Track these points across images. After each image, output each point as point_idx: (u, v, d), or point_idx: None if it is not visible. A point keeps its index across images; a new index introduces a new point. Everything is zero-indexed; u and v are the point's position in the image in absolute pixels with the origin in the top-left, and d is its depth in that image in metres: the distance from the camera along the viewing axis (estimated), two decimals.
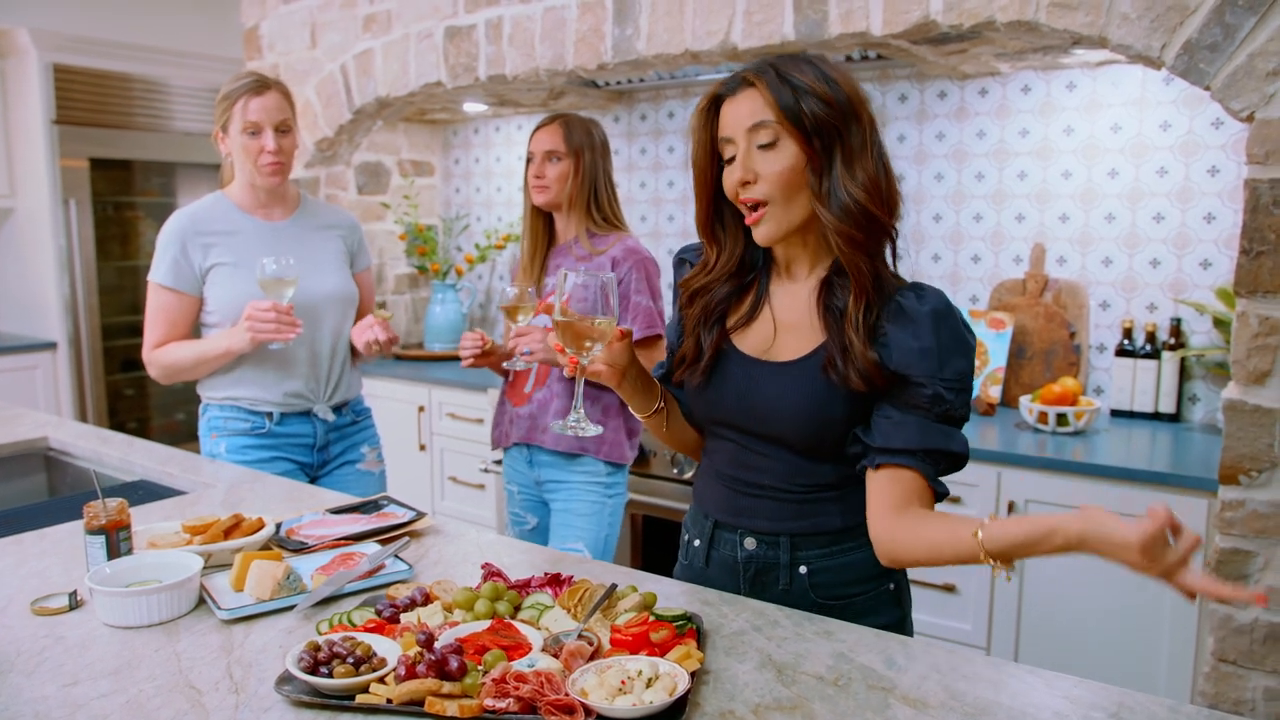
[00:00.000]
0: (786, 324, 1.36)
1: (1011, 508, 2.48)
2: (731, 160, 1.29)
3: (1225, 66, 1.94)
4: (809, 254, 1.35)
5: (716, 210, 1.37)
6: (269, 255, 2.18)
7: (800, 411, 1.31)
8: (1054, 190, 2.98)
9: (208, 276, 2.22)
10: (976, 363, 1.35)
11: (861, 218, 1.24)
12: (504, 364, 2.34)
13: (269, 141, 2.18)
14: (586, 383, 1.63)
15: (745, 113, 1.26)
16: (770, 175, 1.25)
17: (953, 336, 1.26)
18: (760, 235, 1.31)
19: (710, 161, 1.34)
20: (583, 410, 1.39)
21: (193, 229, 2.22)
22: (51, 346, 4.76)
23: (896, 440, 1.25)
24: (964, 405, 1.28)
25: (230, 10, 4.73)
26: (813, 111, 1.23)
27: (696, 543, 1.47)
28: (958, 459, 1.28)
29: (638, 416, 1.45)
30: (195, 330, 2.30)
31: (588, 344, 1.29)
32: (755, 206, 1.28)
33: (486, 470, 3.41)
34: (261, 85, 2.19)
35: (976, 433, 2.71)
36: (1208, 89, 1.98)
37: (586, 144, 2.29)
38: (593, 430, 1.38)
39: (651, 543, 3.16)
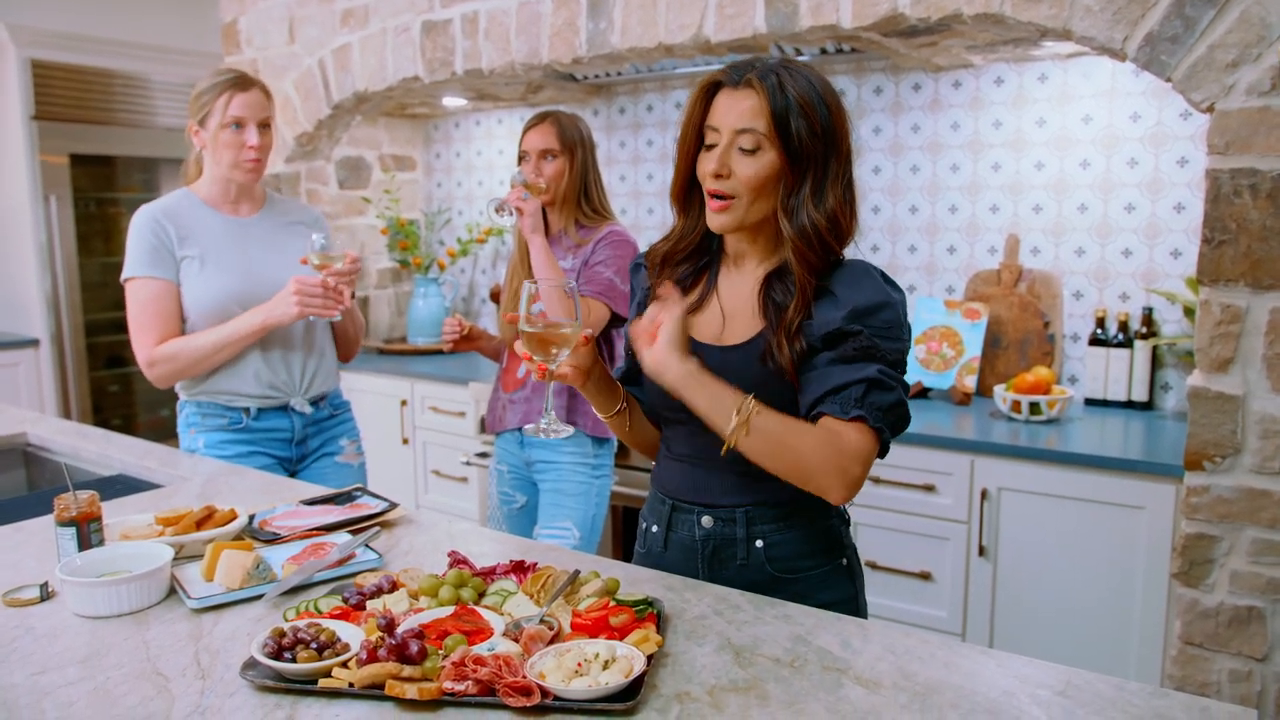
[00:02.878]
0: (732, 311, 1.42)
1: (985, 495, 2.51)
2: (712, 147, 1.33)
3: (1186, 58, 1.97)
4: (758, 250, 1.42)
5: (691, 183, 1.41)
6: (244, 247, 2.21)
7: (747, 392, 1.34)
8: (1027, 181, 3.01)
9: (180, 268, 2.21)
10: (905, 317, 1.37)
11: (816, 241, 1.32)
12: (493, 211, 2.27)
13: (252, 137, 2.18)
14: None
15: (738, 112, 1.30)
16: (744, 177, 1.31)
17: (873, 291, 1.31)
18: (717, 223, 1.36)
19: (695, 138, 1.38)
20: (554, 413, 1.44)
21: (165, 216, 2.21)
22: (34, 343, 4.75)
23: (809, 394, 1.30)
24: (893, 350, 1.31)
25: (208, 5, 4.72)
26: (799, 133, 1.29)
27: (654, 528, 1.51)
28: (873, 383, 1.27)
29: (600, 417, 1.50)
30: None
31: (554, 350, 1.33)
32: (721, 196, 1.33)
33: (469, 463, 3.44)
34: (246, 81, 2.20)
35: (952, 421, 2.74)
36: (1169, 80, 2.00)
37: (578, 140, 2.36)
38: (566, 431, 1.43)
39: (630, 533, 3.18)
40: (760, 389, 1.33)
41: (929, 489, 2.60)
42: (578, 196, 2.37)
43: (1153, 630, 2.34)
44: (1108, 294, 2.92)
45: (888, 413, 1.29)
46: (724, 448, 1.26)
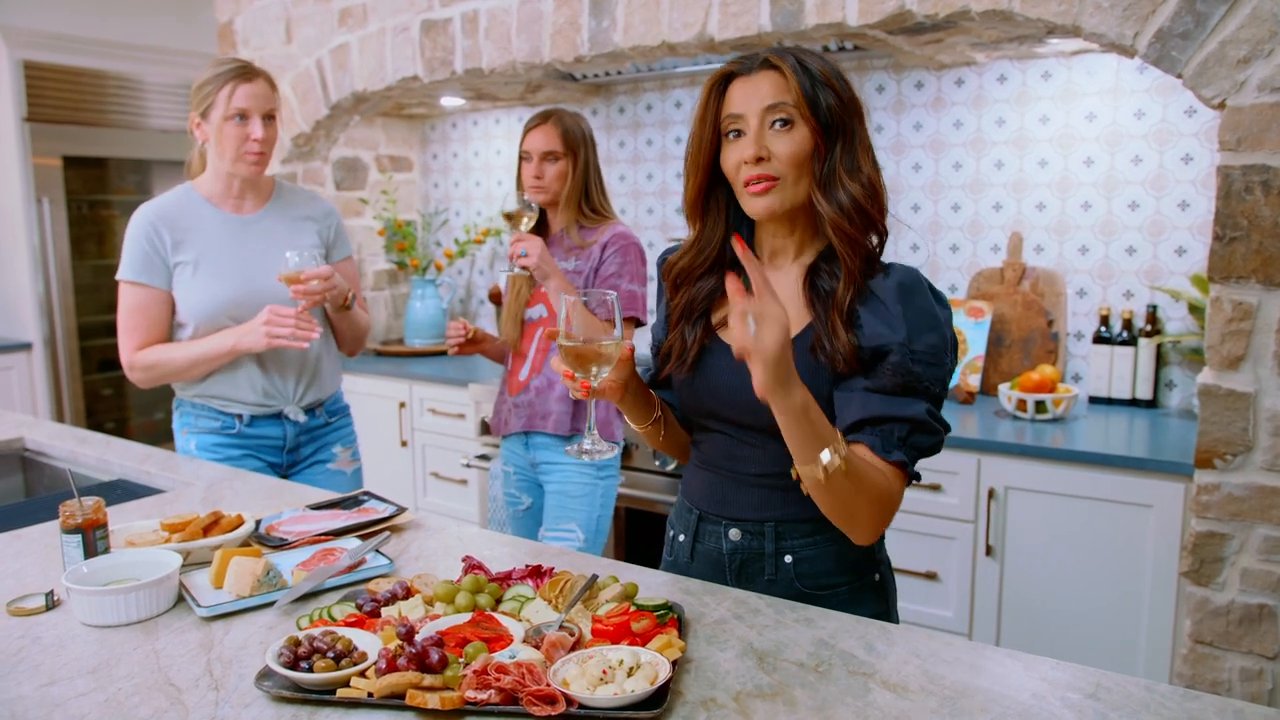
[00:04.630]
0: None
1: (992, 494, 2.49)
2: (735, 136, 1.29)
3: (1197, 54, 1.96)
4: (794, 242, 1.36)
5: (709, 187, 1.37)
6: (242, 250, 2.17)
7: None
8: (1031, 179, 3.00)
9: (173, 273, 2.17)
10: (951, 336, 1.32)
11: (856, 214, 1.27)
12: (504, 271, 2.26)
13: (256, 129, 2.12)
14: None
15: (764, 92, 1.27)
16: (783, 154, 1.27)
17: (920, 310, 1.27)
18: (762, 206, 1.28)
19: (713, 134, 1.33)
20: (596, 432, 1.38)
21: (161, 221, 2.16)
22: (27, 347, 4.71)
23: (845, 416, 1.26)
24: (936, 380, 1.26)
25: (204, 5, 4.69)
26: (827, 103, 1.27)
27: (681, 538, 1.47)
28: (918, 424, 1.24)
29: (635, 428, 1.44)
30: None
31: (595, 367, 1.28)
32: (761, 180, 1.27)
33: (469, 466, 3.41)
34: (250, 72, 2.14)
35: (957, 420, 2.72)
36: (1180, 77, 1.99)
37: (580, 141, 2.33)
38: (609, 452, 1.37)
39: (635, 535, 3.16)
40: (809, 388, 1.28)
41: (935, 488, 2.58)
42: (579, 198, 2.34)
43: (1161, 629, 2.33)
44: (1111, 292, 2.91)
45: (925, 454, 1.27)
46: (794, 473, 1.20)
